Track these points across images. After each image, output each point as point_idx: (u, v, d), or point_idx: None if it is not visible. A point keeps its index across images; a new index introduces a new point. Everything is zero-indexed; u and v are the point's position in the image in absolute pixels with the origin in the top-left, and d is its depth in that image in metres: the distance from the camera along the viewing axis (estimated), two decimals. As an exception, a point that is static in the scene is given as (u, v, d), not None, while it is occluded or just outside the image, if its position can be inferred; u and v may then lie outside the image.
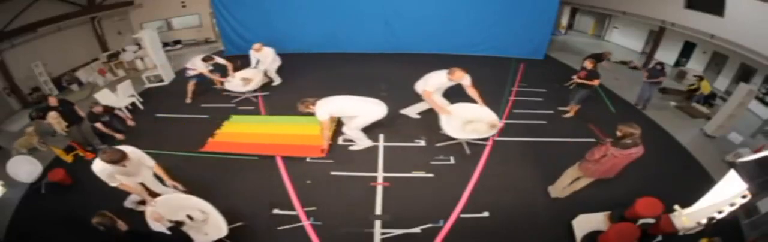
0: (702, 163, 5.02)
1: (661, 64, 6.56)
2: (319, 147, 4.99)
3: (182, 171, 4.71)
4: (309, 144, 5.13)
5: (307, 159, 4.92)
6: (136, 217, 3.25)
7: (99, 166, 3.13)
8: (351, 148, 5.15)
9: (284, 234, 3.71)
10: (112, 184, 3.27)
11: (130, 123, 5.60)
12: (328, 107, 4.50)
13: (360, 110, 4.73)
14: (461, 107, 5.13)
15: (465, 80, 4.91)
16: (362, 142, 5.10)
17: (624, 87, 7.57)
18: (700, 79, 7.25)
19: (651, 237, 3.33)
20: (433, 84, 4.97)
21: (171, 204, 3.37)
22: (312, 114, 4.57)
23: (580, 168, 3.71)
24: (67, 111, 5.12)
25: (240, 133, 5.61)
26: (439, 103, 5.17)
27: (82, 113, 5.31)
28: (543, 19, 9.11)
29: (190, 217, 3.31)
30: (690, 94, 7.34)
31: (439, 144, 5.20)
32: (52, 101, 5.07)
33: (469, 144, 5.18)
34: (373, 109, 4.76)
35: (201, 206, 3.36)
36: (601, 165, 3.48)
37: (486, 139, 5.25)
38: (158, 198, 3.43)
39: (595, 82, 5.68)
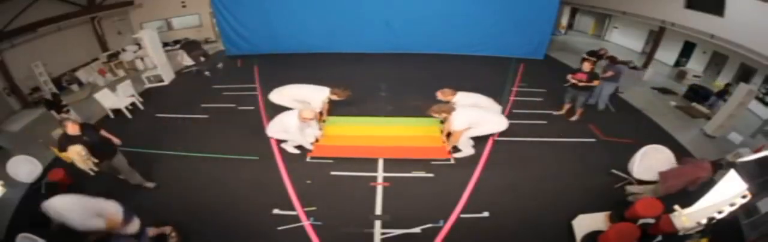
0: (702, 163, 5.01)
1: (612, 57, 6.42)
2: (443, 148, 5.03)
3: (182, 170, 4.75)
4: (429, 145, 5.16)
5: (307, 159, 4.91)
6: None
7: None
8: (455, 155, 4.98)
9: (284, 234, 3.70)
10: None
11: (117, 141, 4.07)
12: (466, 117, 4.67)
13: (489, 121, 4.87)
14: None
15: None
16: (468, 150, 5.01)
17: (624, 87, 7.55)
18: (728, 84, 7.39)
19: (651, 237, 3.33)
20: None
21: None
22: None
23: (659, 187, 3.76)
24: (93, 141, 3.71)
25: (345, 136, 5.44)
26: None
27: (116, 140, 4.02)
28: (543, 19, 9.13)
29: None
30: (698, 91, 7.39)
31: (619, 186, 4.40)
32: (72, 128, 3.52)
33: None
34: (499, 121, 4.92)
35: None
36: (676, 173, 3.67)
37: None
38: None
39: (596, 83, 5.67)
